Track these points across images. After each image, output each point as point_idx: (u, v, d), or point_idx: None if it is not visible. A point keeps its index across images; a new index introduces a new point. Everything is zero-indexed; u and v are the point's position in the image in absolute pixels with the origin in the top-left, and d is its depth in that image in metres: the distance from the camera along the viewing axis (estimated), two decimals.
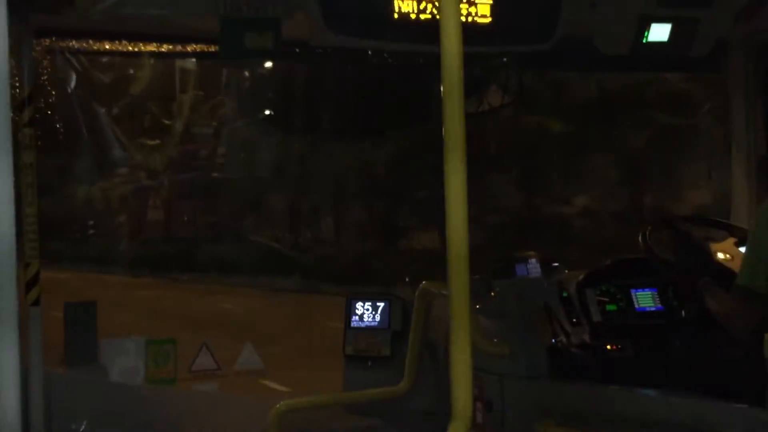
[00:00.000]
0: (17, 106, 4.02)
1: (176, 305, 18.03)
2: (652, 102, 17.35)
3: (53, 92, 4.70)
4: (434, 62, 1.80)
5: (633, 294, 4.07)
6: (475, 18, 3.71)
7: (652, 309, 4.06)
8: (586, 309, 3.97)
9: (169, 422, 4.27)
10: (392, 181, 21.24)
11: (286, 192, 25.02)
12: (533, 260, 4.27)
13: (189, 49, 4.72)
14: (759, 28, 4.56)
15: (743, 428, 3.00)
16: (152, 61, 4.90)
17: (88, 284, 21.78)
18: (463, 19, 1.77)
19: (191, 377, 5.06)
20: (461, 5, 1.76)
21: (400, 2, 3.66)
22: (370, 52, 4.70)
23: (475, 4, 3.70)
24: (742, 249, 3.79)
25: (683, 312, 3.94)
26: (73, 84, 4.92)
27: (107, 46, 4.58)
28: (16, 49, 4.02)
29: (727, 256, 3.86)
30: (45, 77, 4.50)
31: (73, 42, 4.54)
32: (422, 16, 3.65)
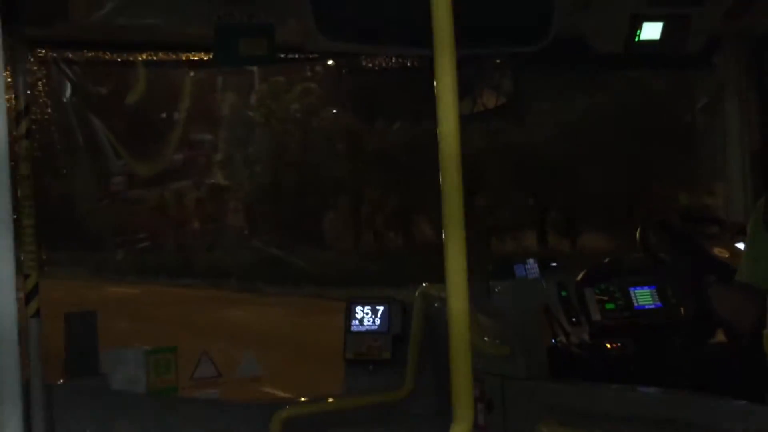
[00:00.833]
0: (13, 117, 4.02)
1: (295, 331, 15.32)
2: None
3: (49, 103, 4.71)
4: (428, 65, 1.80)
5: (632, 292, 4.08)
6: (469, 19, 3.72)
7: (651, 307, 4.06)
8: (585, 308, 3.98)
9: (172, 431, 4.27)
10: None
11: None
12: (531, 261, 4.28)
13: (184, 57, 4.73)
14: (750, 24, 4.58)
15: (744, 425, 3.01)
16: (148, 70, 4.91)
17: (161, 298, 20.73)
18: (455, 21, 1.78)
19: (192, 384, 5.07)
20: (453, 7, 1.77)
21: (393, 6, 3.67)
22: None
23: (469, 6, 3.71)
24: (738, 245, 3.80)
25: (682, 309, 3.95)
26: (68, 94, 4.92)
27: (103, 56, 4.58)
28: (10, 61, 4.03)
29: (723, 251, 3.88)
30: (40, 88, 4.50)
31: (68, 52, 4.54)
32: (415, 19, 3.65)
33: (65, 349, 4.35)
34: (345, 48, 4.03)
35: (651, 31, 4.17)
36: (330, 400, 4.40)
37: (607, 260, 4.34)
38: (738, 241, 3.91)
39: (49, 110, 4.68)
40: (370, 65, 4.87)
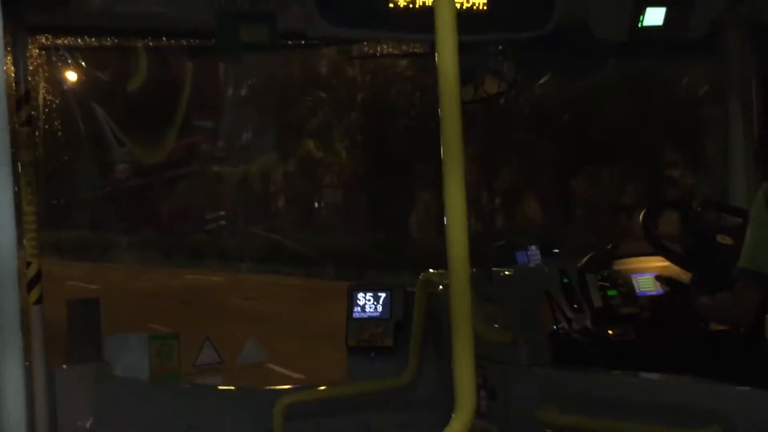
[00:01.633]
0: (14, 104, 4.02)
1: None
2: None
3: (50, 89, 4.70)
4: (430, 50, 1.80)
5: (634, 279, 4.08)
6: (471, 5, 3.71)
7: (653, 293, 4.06)
8: (587, 295, 3.98)
9: (174, 417, 4.28)
10: None
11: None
12: (533, 247, 4.28)
13: (185, 43, 4.72)
14: (753, 10, 4.56)
15: (747, 410, 3.01)
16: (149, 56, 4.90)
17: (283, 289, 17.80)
18: (457, 5, 1.77)
19: (195, 372, 5.08)
20: None
21: None
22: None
23: None
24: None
25: (685, 295, 3.94)
26: (69, 81, 4.91)
27: (104, 42, 4.57)
28: (11, 47, 4.02)
29: (728, 240, 3.87)
30: (41, 75, 4.50)
31: (69, 39, 4.53)
32: (417, 5, 3.64)
33: (68, 336, 4.36)
34: (347, 34, 4.02)
35: (654, 16, 4.16)
36: (331, 386, 4.41)
37: (608, 246, 4.34)
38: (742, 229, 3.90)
39: (50, 96, 4.68)
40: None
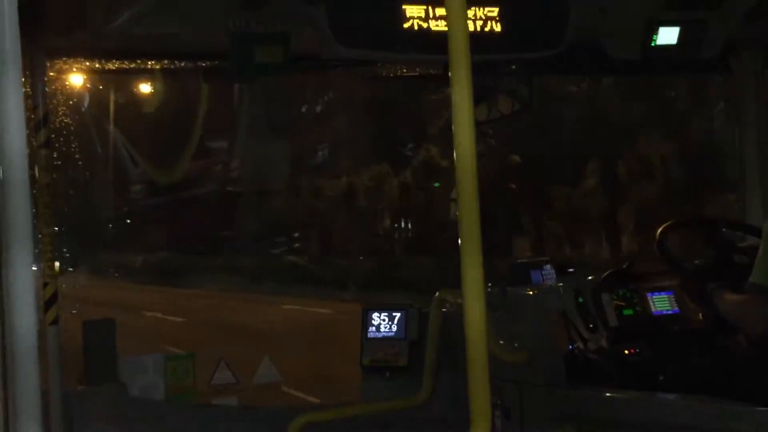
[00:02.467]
0: (33, 127, 4.05)
1: None
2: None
3: (68, 112, 4.75)
4: (444, 71, 1.81)
5: (649, 297, 4.06)
6: (484, 26, 3.73)
7: (669, 312, 4.04)
8: (603, 314, 3.96)
9: None
10: None
11: None
12: (548, 266, 4.27)
13: (201, 65, 4.75)
14: (766, 29, 4.56)
15: (763, 431, 2.99)
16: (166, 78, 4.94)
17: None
18: (471, 27, 1.78)
19: (210, 391, 5.08)
20: (469, 12, 1.77)
21: (409, 13, 3.67)
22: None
23: (484, 12, 3.72)
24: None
25: (700, 314, 3.92)
26: (87, 103, 4.95)
27: (121, 65, 4.62)
28: (29, 70, 4.06)
29: (744, 259, 3.85)
30: (59, 98, 4.54)
31: (86, 62, 4.58)
32: (431, 26, 3.66)
33: (84, 357, 4.38)
34: (361, 56, 4.03)
35: (667, 35, 4.16)
36: (346, 407, 4.40)
37: (624, 265, 4.32)
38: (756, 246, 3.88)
39: (68, 119, 4.72)
40: None
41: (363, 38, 3.73)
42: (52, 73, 4.34)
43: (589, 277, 4.20)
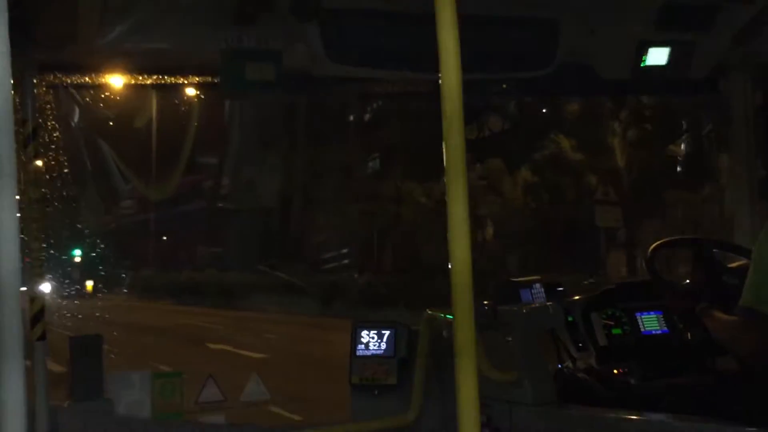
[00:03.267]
0: (22, 142, 4.04)
1: None
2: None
3: (58, 127, 4.74)
4: (435, 90, 1.81)
5: (638, 317, 4.06)
6: (475, 45, 3.74)
7: (658, 332, 4.04)
8: (592, 333, 3.96)
9: None
10: None
11: None
12: (537, 285, 4.27)
13: (191, 81, 4.76)
14: (757, 50, 4.59)
15: None
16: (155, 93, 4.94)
17: None
18: (462, 46, 1.78)
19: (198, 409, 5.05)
20: (460, 31, 1.77)
21: (400, 31, 3.69)
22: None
23: (475, 31, 3.73)
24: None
25: (689, 334, 3.93)
26: (76, 118, 4.95)
27: (110, 80, 4.61)
28: (19, 85, 4.05)
29: (734, 280, 3.85)
30: (49, 112, 4.53)
31: (77, 77, 4.57)
32: (422, 43, 3.67)
33: (70, 373, 4.35)
34: (353, 73, 4.04)
35: (657, 56, 4.19)
36: (334, 425, 4.37)
37: (613, 285, 4.33)
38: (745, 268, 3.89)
39: (57, 134, 4.71)
40: None
41: (354, 56, 3.74)
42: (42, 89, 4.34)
43: (576, 297, 4.21)
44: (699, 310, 3.52)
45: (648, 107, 17.50)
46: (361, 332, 4.31)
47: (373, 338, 4.29)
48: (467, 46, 1.76)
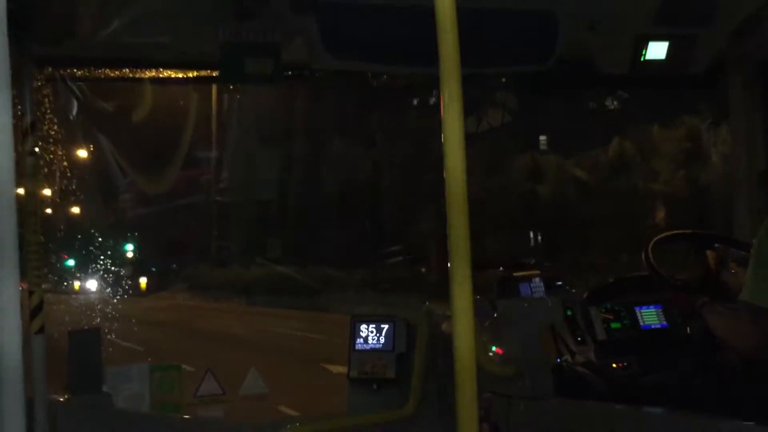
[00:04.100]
0: (19, 135, 4.04)
1: None
2: None
3: (56, 121, 4.73)
4: (434, 83, 1.81)
5: (637, 311, 4.07)
6: (474, 39, 3.73)
7: (657, 326, 4.05)
8: (591, 327, 3.96)
9: None
10: None
11: None
12: (537, 279, 4.27)
13: (190, 74, 4.75)
14: (757, 45, 4.58)
15: None
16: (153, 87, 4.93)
17: None
18: (461, 40, 1.78)
19: (196, 402, 5.05)
20: (459, 26, 1.77)
21: (399, 24, 3.68)
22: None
23: (474, 26, 3.73)
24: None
25: (688, 329, 3.93)
26: (75, 112, 4.94)
27: (109, 73, 4.60)
28: (17, 79, 4.05)
29: (733, 274, 3.85)
30: (47, 106, 4.52)
31: (74, 70, 4.56)
32: (421, 37, 3.67)
33: (68, 366, 4.35)
34: (351, 66, 4.04)
35: (657, 50, 4.18)
36: (333, 419, 4.38)
37: (612, 279, 4.32)
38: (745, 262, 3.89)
39: (56, 127, 4.70)
40: None
41: (352, 49, 3.73)
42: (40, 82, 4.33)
43: (574, 290, 4.21)
44: (700, 305, 3.52)
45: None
46: (359, 326, 4.31)
47: (371, 332, 4.29)
48: (466, 41, 1.76)
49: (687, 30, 4.18)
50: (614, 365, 3.89)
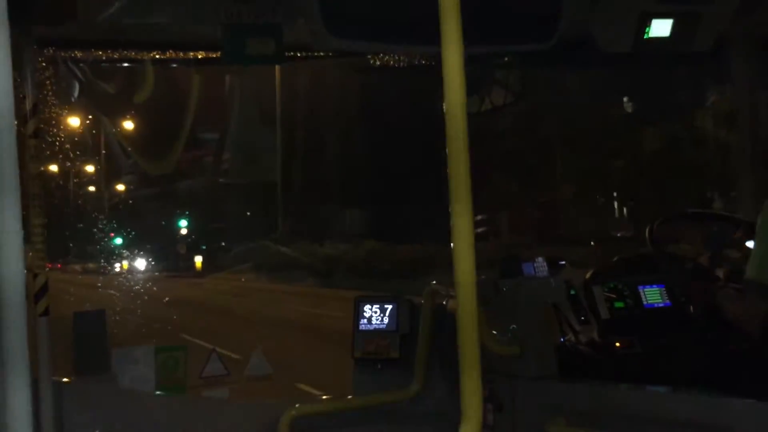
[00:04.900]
0: (21, 117, 4.03)
1: None
2: None
3: (57, 102, 4.72)
4: (437, 62, 1.80)
5: (641, 291, 4.07)
6: (476, 18, 3.72)
7: (661, 305, 4.05)
8: (594, 307, 3.97)
9: (180, 430, 4.27)
10: None
11: None
12: (540, 259, 4.27)
13: (191, 56, 4.74)
14: (761, 22, 4.56)
15: (753, 424, 3.00)
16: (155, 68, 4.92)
17: None
18: (463, 19, 1.77)
19: (201, 383, 5.08)
20: (461, 4, 1.76)
21: (400, 3, 3.66)
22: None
23: (476, 4, 3.71)
24: (749, 244, 3.78)
25: (691, 307, 3.93)
26: (76, 94, 4.93)
27: (111, 55, 4.59)
28: (18, 61, 4.04)
29: (734, 252, 3.86)
30: (49, 88, 4.52)
31: (76, 52, 4.56)
32: (423, 16, 3.65)
33: (75, 347, 4.37)
34: (353, 47, 4.02)
35: (660, 28, 4.16)
36: (338, 399, 4.40)
37: (615, 258, 4.33)
38: (749, 240, 3.89)
39: (58, 109, 4.70)
40: None
41: (354, 30, 3.72)
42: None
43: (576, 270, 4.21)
44: (702, 285, 3.52)
45: None
46: (363, 306, 4.32)
47: (375, 312, 4.30)
48: (468, 19, 1.75)
49: (691, 7, 4.16)
50: (617, 344, 3.90)
